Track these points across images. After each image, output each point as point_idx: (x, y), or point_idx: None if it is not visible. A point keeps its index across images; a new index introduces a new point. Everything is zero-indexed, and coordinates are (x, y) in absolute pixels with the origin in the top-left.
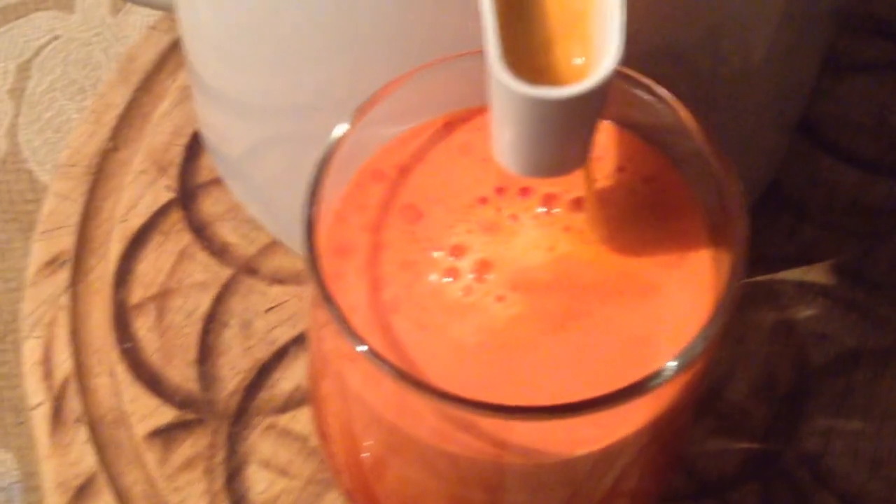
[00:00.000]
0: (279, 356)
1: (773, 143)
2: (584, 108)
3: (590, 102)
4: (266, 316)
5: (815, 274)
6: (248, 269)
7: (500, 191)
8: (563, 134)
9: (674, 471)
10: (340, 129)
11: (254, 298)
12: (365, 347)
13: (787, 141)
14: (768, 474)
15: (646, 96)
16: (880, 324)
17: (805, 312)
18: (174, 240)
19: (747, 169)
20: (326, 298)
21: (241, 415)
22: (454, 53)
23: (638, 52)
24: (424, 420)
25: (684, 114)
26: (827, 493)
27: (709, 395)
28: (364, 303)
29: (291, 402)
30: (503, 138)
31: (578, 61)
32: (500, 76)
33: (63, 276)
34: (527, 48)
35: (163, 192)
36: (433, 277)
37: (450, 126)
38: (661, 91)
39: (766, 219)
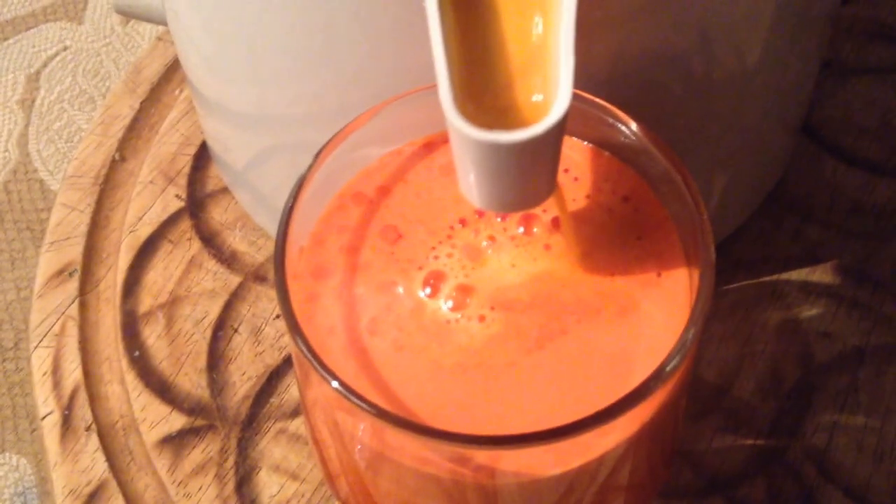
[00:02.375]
0: (289, 361)
1: (776, 145)
2: (536, 149)
3: (541, 144)
4: (275, 322)
5: (820, 274)
6: (257, 276)
7: (480, 211)
8: (520, 173)
9: (669, 467)
10: (314, 159)
11: (262, 305)
12: (337, 384)
13: (791, 143)
14: (775, 469)
15: (615, 123)
16: (884, 322)
17: (810, 311)
18: (183, 248)
19: (752, 170)
20: (297, 334)
21: (251, 420)
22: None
23: (631, 58)
24: (406, 448)
25: (653, 140)
26: (832, 487)
27: (716, 393)
28: (342, 324)
29: (301, 408)
30: (466, 176)
31: (538, 98)
32: (454, 120)
33: (72, 286)
34: (489, 89)
35: (172, 201)
36: (412, 298)
37: (430, 147)
38: (626, 117)
39: (771, 220)
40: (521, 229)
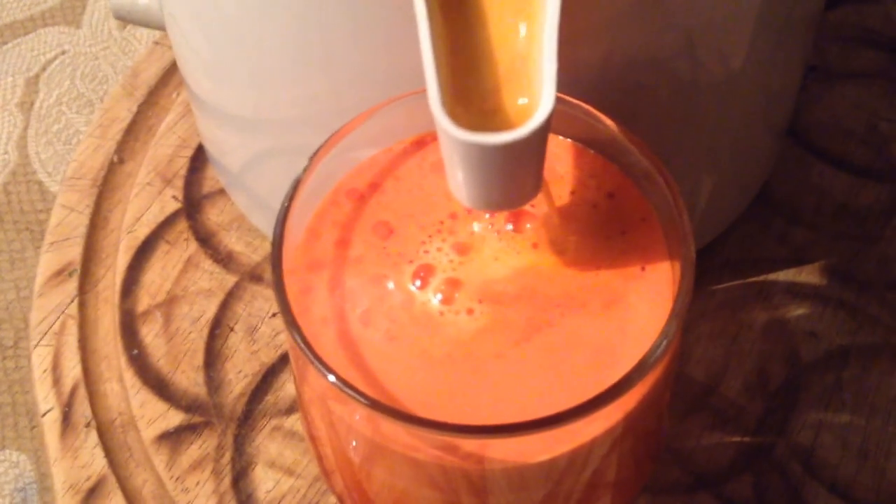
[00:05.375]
0: (284, 360)
1: (762, 148)
2: (521, 150)
3: (526, 146)
4: (271, 321)
5: (806, 275)
6: (253, 276)
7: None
8: (506, 173)
9: (654, 461)
10: (309, 160)
11: (258, 304)
12: (333, 378)
13: (777, 146)
14: (761, 466)
15: (596, 124)
16: (868, 322)
17: (796, 312)
18: (180, 249)
19: (738, 173)
20: (293, 327)
21: (247, 417)
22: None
23: (618, 63)
24: (399, 437)
25: (632, 140)
26: (817, 484)
27: (704, 392)
28: (335, 315)
29: (297, 405)
30: (454, 176)
31: (523, 101)
32: (442, 122)
33: (71, 285)
34: (477, 92)
35: (169, 202)
36: (403, 291)
37: (422, 145)
38: (606, 119)
39: (758, 222)
40: (510, 226)
